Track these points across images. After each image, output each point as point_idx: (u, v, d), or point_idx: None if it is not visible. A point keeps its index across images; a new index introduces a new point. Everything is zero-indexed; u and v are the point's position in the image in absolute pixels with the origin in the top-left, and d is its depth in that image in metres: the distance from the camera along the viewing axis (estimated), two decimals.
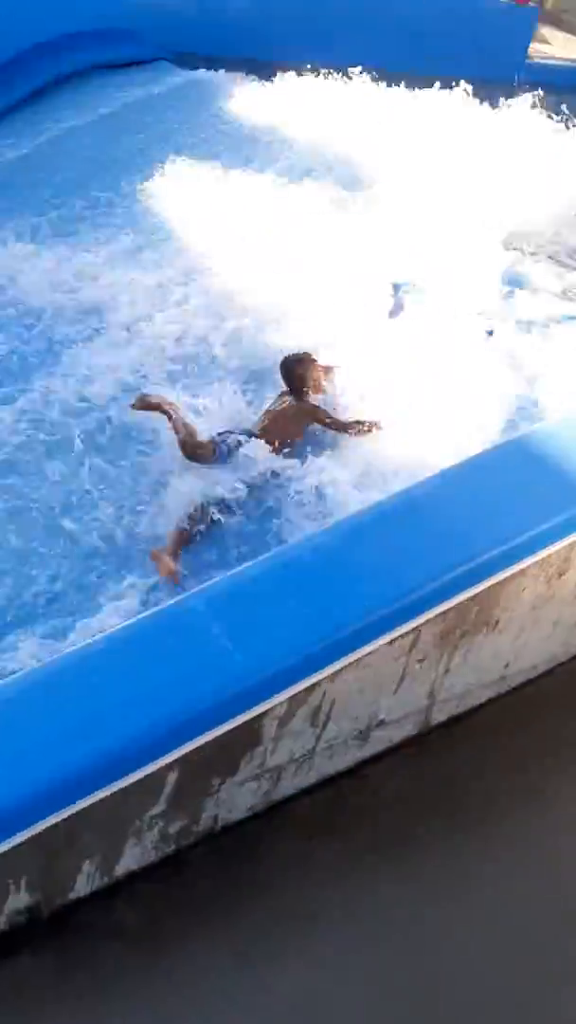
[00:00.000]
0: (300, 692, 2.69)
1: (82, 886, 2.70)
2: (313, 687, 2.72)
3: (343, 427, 4.73)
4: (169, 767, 2.59)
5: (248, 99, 8.37)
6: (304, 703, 2.75)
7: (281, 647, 2.64)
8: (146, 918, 2.75)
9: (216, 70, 8.87)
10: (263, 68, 8.83)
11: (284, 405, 4.78)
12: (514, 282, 6.06)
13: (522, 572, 3.04)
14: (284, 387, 4.86)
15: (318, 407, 4.79)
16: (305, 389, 4.80)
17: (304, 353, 4.88)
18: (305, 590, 2.79)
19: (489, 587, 2.97)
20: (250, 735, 2.71)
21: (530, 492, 3.16)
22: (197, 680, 2.58)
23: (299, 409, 4.77)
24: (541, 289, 6.09)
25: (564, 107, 8.03)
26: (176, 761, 2.59)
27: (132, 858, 2.75)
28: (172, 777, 2.63)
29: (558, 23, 12.68)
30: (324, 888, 2.84)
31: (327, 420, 4.74)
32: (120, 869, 2.75)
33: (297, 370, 4.81)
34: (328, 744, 2.95)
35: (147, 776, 2.56)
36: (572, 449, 3.26)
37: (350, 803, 3.04)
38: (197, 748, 2.60)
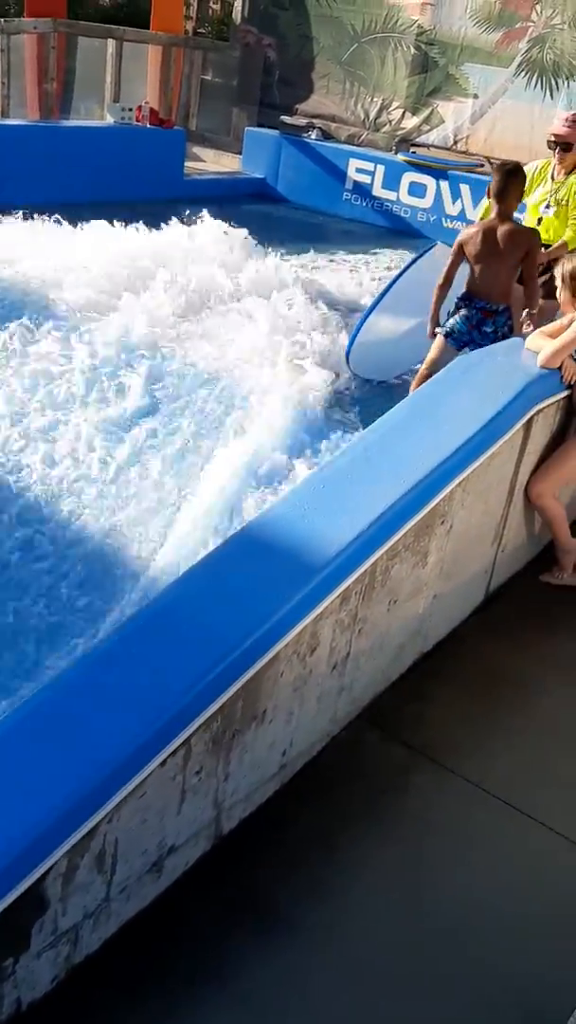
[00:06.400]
0: (78, 841, 2.52)
1: None
2: (91, 832, 2.56)
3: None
4: None
5: None
6: (86, 851, 2.58)
7: (46, 798, 2.47)
8: None
9: None
10: None
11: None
12: None
13: (276, 657, 3.07)
14: None
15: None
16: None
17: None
18: (60, 730, 2.65)
19: (248, 680, 2.96)
20: (35, 902, 2.50)
21: (267, 577, 3.21)
22: None
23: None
24: None
25: (217, 211, 9.10)
26: None
27: None
28: None
29: (203, 142, 13.99)
30: None
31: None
32: None
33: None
34: (122, 887, 2.78)
35: None
36: (300, 529, 3.35)
37: (156, 942, 2.88)
38: None
